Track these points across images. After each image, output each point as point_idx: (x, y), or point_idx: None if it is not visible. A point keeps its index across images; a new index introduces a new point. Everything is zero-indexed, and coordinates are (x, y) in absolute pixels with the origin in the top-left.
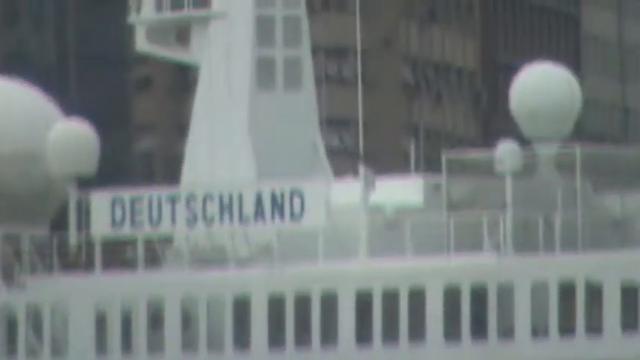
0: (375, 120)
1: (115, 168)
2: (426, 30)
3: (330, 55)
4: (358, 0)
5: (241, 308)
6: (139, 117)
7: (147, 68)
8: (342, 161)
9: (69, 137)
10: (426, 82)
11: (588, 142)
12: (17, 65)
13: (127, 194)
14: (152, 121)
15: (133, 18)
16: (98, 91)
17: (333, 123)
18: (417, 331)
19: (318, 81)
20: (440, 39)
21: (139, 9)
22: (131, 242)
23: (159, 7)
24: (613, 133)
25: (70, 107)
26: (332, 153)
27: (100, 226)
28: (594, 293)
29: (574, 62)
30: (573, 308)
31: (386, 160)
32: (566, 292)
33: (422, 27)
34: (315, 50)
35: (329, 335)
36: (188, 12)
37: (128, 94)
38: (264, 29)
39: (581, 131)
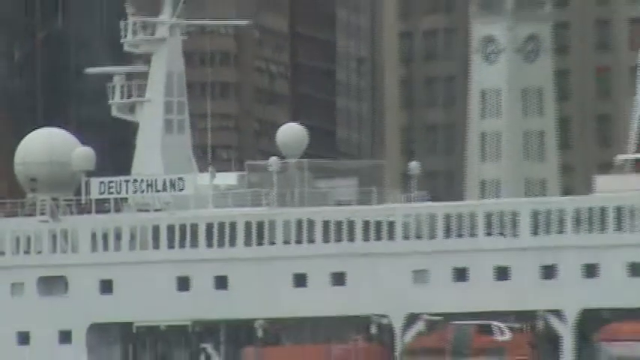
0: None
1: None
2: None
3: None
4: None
5: (156, 231)
6: None
7: None
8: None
9: (81, 155)
10: None
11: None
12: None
13: (106, 179)
14: None
15: (109, 100)
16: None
17: None
18: (233, 241)
19: None
20: None
21: (113, 96)
22: (107, 201)
23: (122, 96)
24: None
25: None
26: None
27: (94, 194)
28: (311, 225)
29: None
30: (314, 233)
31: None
32: (301, 225)
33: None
34: None
35: (194, 244)
36: (134, 98)
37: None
38: (169, 107)
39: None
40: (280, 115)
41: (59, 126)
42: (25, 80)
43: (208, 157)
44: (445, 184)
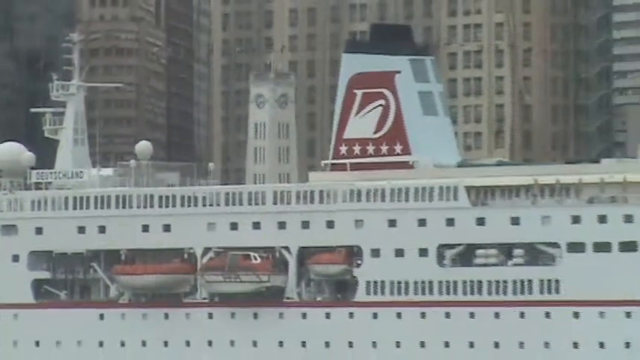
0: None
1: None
2: None
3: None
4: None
5: (67, 200)
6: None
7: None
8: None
9: (27, 157)
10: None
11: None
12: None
13: (40, 171)
14: None
15: (43, 127)
16: None
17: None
18: (109, 206)
19: None
20: None
21: (45, 124)
22: (41, 183)
23: (50, 124)
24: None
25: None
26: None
27: (33, 179)
28: (152, 197)
29: (191, 136)
30: (153, 202)
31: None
32: (146, 197)
33: None
34: None
35: (88, 207)
36: (57, 126)
37: None
38: (75, 131)
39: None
40: (161, 137)
41: (26, 141)
42: (11, 113)
43: (97, 160)
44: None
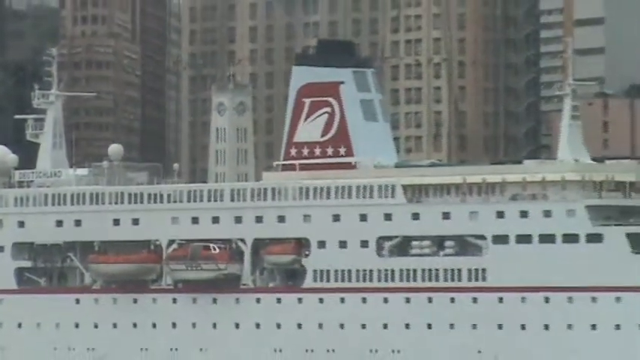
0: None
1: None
2: None
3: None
4: None
5: (46, 196)
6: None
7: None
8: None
9: (11, 158)
10: None
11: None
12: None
13: (22, 171)
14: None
15: (26, 131)
16: None
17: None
18: (84, 202)
19: None
20: None
21: (28, 129)
22: (23, 182)
23: (32, 129)
24: None
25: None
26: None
27: (17, 178)
28: (123, 194)
29: (163, 140)
30: (124, 198)
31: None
32: (117, 194)
33: None
34: None
35: (65, 203)
36: (38, 131)
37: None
38: (54, 136)
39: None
40: (136, 140)
41: (13, 144)
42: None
43: (73, 161)
44: None
